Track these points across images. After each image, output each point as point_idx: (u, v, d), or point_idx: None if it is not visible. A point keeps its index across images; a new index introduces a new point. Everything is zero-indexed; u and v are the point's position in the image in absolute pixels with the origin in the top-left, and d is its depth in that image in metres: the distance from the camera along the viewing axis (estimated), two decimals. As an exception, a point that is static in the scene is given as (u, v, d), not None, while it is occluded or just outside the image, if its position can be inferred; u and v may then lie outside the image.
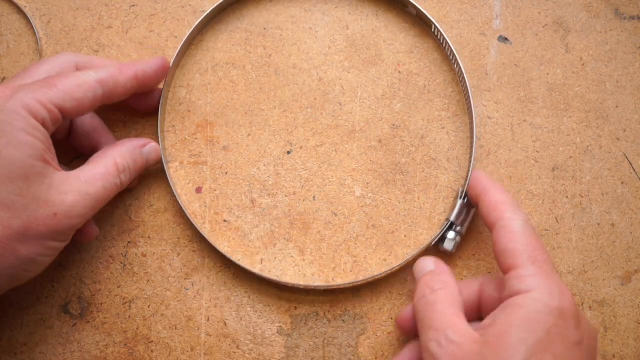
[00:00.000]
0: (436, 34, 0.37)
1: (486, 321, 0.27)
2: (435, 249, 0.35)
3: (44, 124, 0.27)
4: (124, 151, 0.32)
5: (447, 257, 0.35)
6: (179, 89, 0.38)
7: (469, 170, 0.35)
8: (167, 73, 0.35)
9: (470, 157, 0.35)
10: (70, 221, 0.28)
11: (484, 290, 0.30)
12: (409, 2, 0.37)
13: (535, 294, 0.26)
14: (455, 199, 0.35)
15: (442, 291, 0.28)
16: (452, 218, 0.34)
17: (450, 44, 0.36)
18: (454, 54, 0.36)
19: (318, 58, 0.38)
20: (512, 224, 0.29)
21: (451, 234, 0.34)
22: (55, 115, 0.28)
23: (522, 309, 0.25)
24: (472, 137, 0.36)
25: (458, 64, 0.36)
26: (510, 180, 0.37)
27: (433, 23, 0.36)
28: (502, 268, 0.29)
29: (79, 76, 0.29)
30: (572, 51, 0.38)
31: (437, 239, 0.35)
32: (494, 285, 0.30)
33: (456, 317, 0.26)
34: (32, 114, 0.27)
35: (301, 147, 0.37)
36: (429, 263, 0.31)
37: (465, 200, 0.34)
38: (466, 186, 0.34)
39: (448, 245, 0.34)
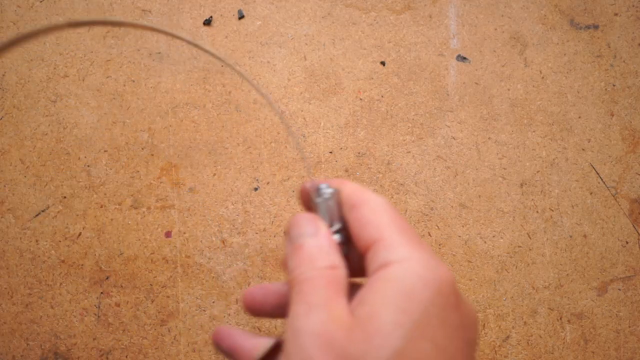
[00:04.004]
0: None
1: (354, 301, 0.23)
2: None
3: None
4: None
5: None
6: (141, 133, 0.37)
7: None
8: None
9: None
10: None
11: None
12: None
13: (408, 264, 0.22)
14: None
15: (327, 270, 0.23)
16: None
17: None
18: None
19: (278, 91, 0.38)
20: (375, 201, 0.24)
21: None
22: None
23: (394, 283, 0.22)
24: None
25: None
26: (480, 200, 0.37)
27: None
28: (364, 244, 0.24)
29: None
30: (531, 65, 0.38)
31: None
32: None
33: (336, 294, 0.23)
34: None
35: (268, 183, 0.37)
36: (310, 227, 0.25)
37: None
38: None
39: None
